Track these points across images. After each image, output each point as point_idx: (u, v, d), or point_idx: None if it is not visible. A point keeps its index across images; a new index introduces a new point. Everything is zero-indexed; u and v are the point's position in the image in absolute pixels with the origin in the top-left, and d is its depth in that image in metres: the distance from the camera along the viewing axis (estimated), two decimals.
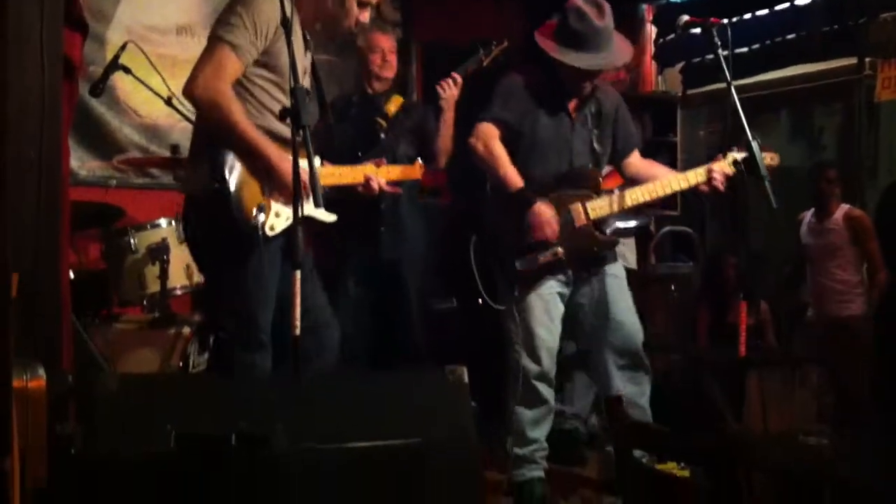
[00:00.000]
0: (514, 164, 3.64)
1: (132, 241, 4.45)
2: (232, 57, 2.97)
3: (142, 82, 4.54)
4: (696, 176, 3.66)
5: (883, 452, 2.18)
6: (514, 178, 3.61)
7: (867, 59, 5.67)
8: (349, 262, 4.36)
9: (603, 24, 3.57)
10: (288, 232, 3.03)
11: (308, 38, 3.24)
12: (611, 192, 3.69)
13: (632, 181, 3.82)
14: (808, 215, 5.53)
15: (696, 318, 5.71)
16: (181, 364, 4.24)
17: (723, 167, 3.64)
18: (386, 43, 4.44)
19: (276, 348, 3.10)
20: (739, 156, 3.53)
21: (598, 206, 3.64)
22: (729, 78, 3.43)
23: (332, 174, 3.40)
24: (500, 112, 3.67)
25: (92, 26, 5.32)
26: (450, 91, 4.12)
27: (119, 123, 5.64)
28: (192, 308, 4.77)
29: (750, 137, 3.38)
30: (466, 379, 2.48)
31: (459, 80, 4.11)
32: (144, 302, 4.54)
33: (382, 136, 4.22)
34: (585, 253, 3.68)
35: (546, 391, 3.71)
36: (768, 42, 5.90)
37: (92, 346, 3.98)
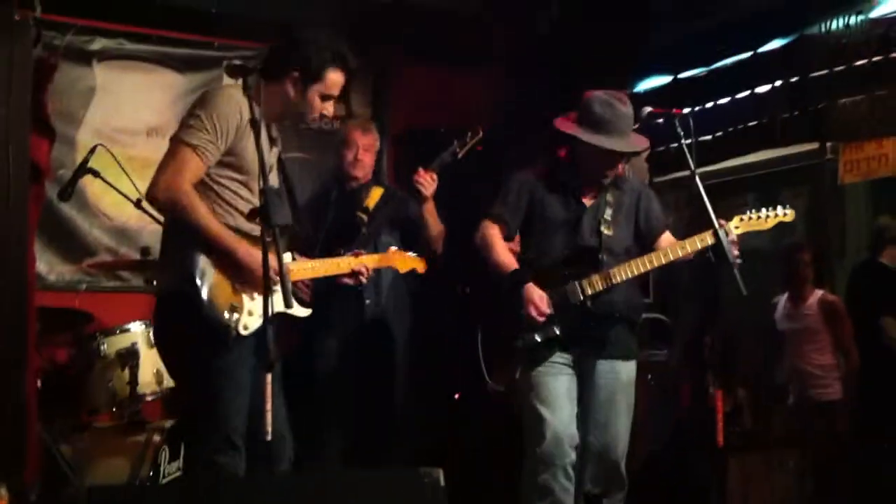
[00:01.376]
0: (528, 246, 3.80)
1: (101, 346, 4.38)
2: (193, 158, 2.97)
3: (111, 185, 4.54)
4: (700, 241, 3.59)
5: None
6: (508, 263, 3.71)
7: (829, 144, 5.78)
8: (332, 355, 4.32)
9: (626, 110, 3.66)
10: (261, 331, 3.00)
11: (274, 135, 3.26)
12: (609, 268, 3.66)
13: None
14: (782, 299, 5.57)
15: (674, 406, 5.68)
16: (151, 472, 4.13)
17: (728, 231, 3.61)
18: (361, 140, 4.46)
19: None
20: (710, 240, 3.51)
21: (595, 282, 3.63)
22: (693, 166, 3.47)
23: (314, 268, 3.39)
24: (499, 210, 3.80)
25: (62, 129, 5.38)
26: (429, 185, 4.14)
27: (89, 226, 5.62)
28: (163, 414, 4.67)
29: (716, 225, 3.39)
30: (442, 482, 2.43)
31: (434, 176, 4.14)
32: (114, 408, 4.44)
33: (364, 230, 4.21)
34: (584, 332, 3.66)
35: (560, 476, 3.56)
36: (731, 129, 6.00)
37: (59, 455, 3.88)
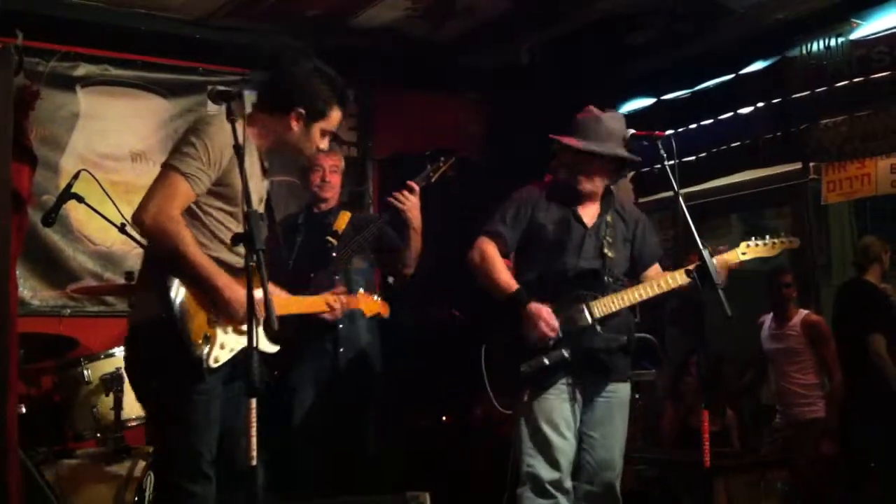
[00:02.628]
0: (526, 266, 3.70)
1: (85, 371, 4.36)
2: (184, 185, 2.96)
3: (95, 211, 4.53)
4: (681, 277, 3.59)
5: None
6: (509, 283, 3.63)
7: (811, 164, 5.82)
8: (307, 383, 4.29)
9: (617, 125, 3.69)
10: (232, 362, 3.00)
11: (266, 165, 3.26)
12: (616, 291, 3.64)
13: None
14: (767, 319, 5.59)
15: (661, 426, 5.68)
16: (136, 499, 4.10)
17: (728, 260, 3.65)
18: (327, 161, 4.44)
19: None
20: (692, 266, 3.52)
21: (603, 306, 3.60)
22: (676, 188, 3.47)
23: (294, 304, 3.39)
24: (497, 227, 3.72)
25: (45, 155, 5.38)
26: (409, 201, 4.11)
27: (73, 252, 5.61)
28: (148, 440, 4.64)
29: (700, 246, 3.40)
30: None
31: (416, 188, 4.12)
32: (99, 434, 4.41)
33: (334, 254, 4.20)
34: (592, 356, 3.62)
35: (563, 501, 3.56)
36: (714, 150, 6.05)
37: (42, 483, 3.85)
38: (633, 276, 3.85)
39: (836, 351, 5.24)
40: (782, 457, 5.15)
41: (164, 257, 2.96)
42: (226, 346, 3.02)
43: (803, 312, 5.44)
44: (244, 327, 2.90)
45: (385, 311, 4.00)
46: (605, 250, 3.69)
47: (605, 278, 3.66)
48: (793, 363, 5.40)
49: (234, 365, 3.01)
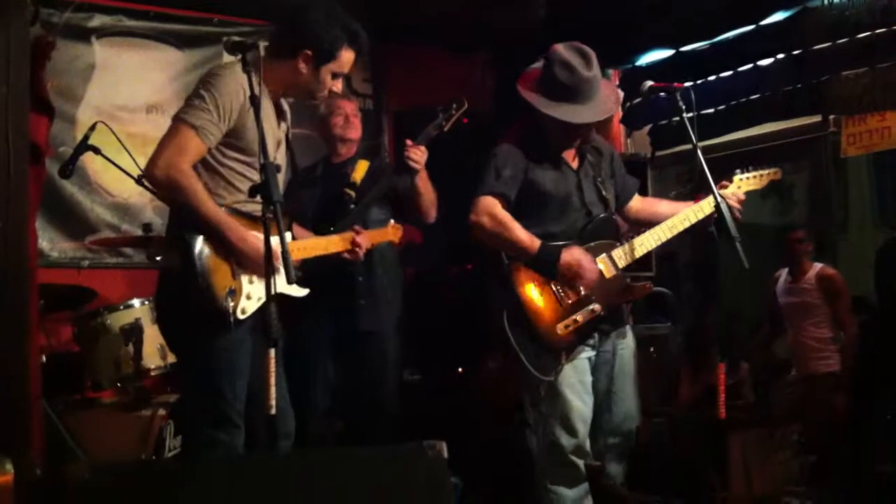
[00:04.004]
0: (531, 228, 3.42)
1: (105, 322, 4.40)
2: (194, 138, 2.96)
3: (112, 162, 4.53)
4: (709, 205, 3.51)
5: None
6: (531, 240, 3.38)
7: (831, 117, 5.76)
8: (325, 336, 4.31)
9: (591, 73, 3.39)
10: (260, 311, 3.01)
11: (284, 108, 3.25)
12: (632, 237, 3.52)
13: (636, 223, 3.72)
14: (783, 273, 5.58)
15: (677, 380, 5.70)
16: (156, 446, 4.16)
17: (735, 191, 3.61)
18: (348, 107, 4.46)
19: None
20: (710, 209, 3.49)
21: (625, 254, 3.48)
22: (695, 140, 3.44)
23: (315, 246, 3.38)
24: (496, 184, 3.44)
25: (61, 107, 5.38)
26: (419, 156, 4.05)
27: (90, 203, 5.63)
28: (167, 389, 4.70)
29: (718, 199, 3.38)
30: (446, 454, 2.44)
31: (424, 149, 4.07)
32: (118, 384, 4.46)
33: (352, 206, 4.19)
34: (618, 307, 3.50)
35: (583, 467, 3.43)
36: (733, 102, 5.98)
37: (64, 431, 3.91)
38: (616, 211, 3.69)
39: (849, 304, 5.23)
40: (796, 410, 5.17)
41: (182, 211, 2.98)
42: (252, 296, 3.05)
43: (818, 266, 5.42)
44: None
45: (418, 236, 3.90)
46: (604, 192, 3.55)
47: (616, 222, 3.55)
48: (807, 317, 5.40)
49: (262, 314, 3.04)
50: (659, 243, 3.52)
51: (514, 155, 3.48)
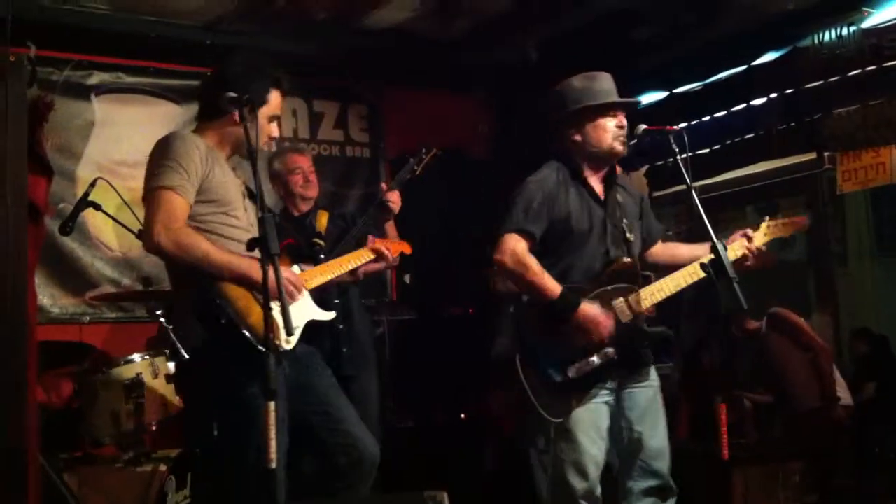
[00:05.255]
0: (546, 257, 3.45)
1: (105, 378, 4.38)
2: (176, 198, 2.98)
3: (112, 218, 4.56)
4: (733, 252, 3.53)
5: None
6: (552, 286, 3.37)
7: (826, 154, 5.80)
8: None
9: (608, 80, 3.57)
10: (306, 331, 3.12)
11: (233, 166, 3.28)
12: (649, 282, 3.50)
13: (654, 268, 3.68)
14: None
15: (677, 417, 5.67)
16: (157, 502, 4.12)
17: (757, 240, 3.63)
18: (304, 162, 4.53)
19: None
20: (706, 258, 3.50)
21: (643, 299, 3.46)
22: (689, 181, 3.44)
23: (328, 268, 3.42)
24: (523, 222, 3.44)
25: (61, 164, 5.43)
26: (396, 198, 4.32)
27: (91, 259, 5.65)
28: (167, 443, 4.67)
29: (714, 239, 3.38)
30: None
31: (398, 193, 4.32)
32: (119, 440, 4.42)
33: (322, 256, 4.20)
34: (635, 351, 3.48)
35: None
36: (727, 142, 6.03)
37: (63, 488, 3.88)
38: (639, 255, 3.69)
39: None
40: (796, 446, 5.15)
41: (190, 271, 2.96)
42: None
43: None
44: (297, 297, 3.05)
45: (407, 248, 4.03)
46: (628, 234, 3.54)
47: (636, 266, 3.52)
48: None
49: (309, 333, 3.12)
50: (675, 292, 3.51)
51: (544, 187, 3.50)
